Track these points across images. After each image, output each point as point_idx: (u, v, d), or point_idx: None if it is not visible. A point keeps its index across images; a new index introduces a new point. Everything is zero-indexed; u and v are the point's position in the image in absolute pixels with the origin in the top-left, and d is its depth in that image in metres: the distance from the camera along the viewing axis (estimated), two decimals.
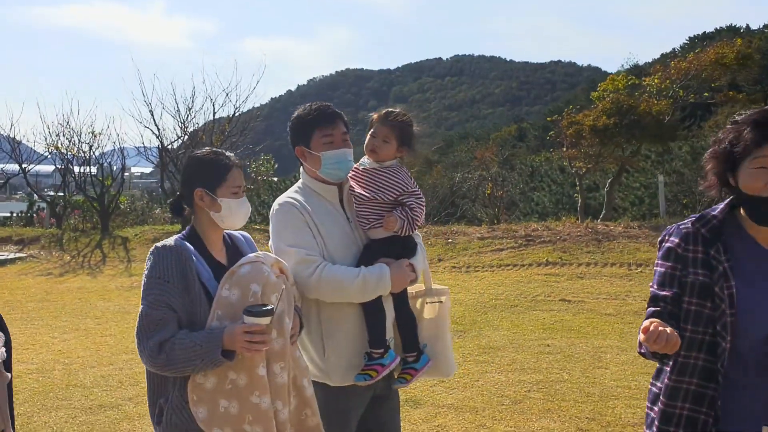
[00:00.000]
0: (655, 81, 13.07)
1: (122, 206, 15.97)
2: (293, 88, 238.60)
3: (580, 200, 13.39)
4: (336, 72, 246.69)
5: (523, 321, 7.36)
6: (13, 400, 2.28)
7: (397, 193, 2.52)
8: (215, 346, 2.04)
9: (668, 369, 1.99)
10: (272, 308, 2.05)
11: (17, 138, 15.14)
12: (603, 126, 11.86)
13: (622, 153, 13.19)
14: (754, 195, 1.84)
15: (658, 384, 2.03)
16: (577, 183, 13.75)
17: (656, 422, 1.98)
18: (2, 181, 16.37)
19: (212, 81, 41.19)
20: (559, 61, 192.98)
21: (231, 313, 2.13)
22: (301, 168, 2.62)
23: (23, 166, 15.44)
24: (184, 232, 2.33)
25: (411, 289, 2.64)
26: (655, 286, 1.99)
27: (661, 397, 1.98)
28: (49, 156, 15.29)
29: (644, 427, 2.09)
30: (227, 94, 14.84)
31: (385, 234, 2.52)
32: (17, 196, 16.28)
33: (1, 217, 21.31)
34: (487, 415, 4.66)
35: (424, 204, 2.60)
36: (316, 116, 2.53)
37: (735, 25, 49.75)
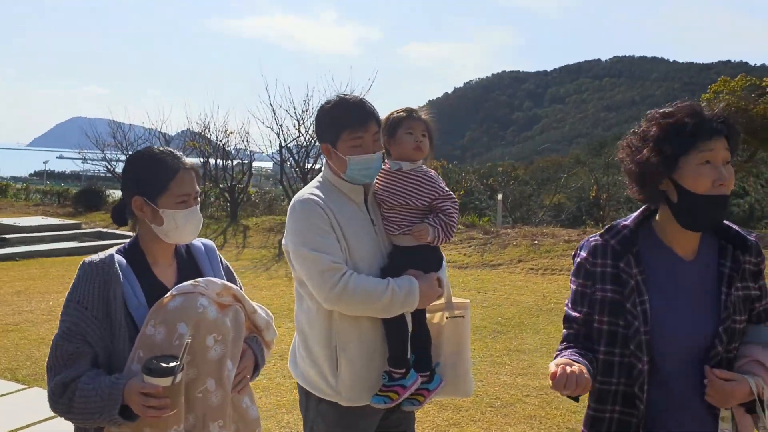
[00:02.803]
0: None
1: (253, 197, 17.14)
2: (450, 90, 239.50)
3: None
4: (492, 74, 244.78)
5: None
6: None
7: (432, 197, 2.25)
8: (114, 401, 1.64)
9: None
10: (175, 366, 1.60)
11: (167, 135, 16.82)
12: None
13: (739, 157, 11.92)
14: (703, 194, 1.64)
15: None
16: None
17: None
18: None
19: (326, 85, 42.74)
20: (728, 61, 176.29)
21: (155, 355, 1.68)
22: (325, 161, 2.34)
23: None
24: (126, 243, 1.92)
25: None
26: (569, 305, 1.85)
27: (582, 428, 1.83)
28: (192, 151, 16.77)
29: None
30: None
31: (412, 242, 2.25)
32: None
33: None
34: (467, 415, 4.52)
35: (458, 208, 2.33)
36: (346, 116, 2.21)
37: None
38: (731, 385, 1.62)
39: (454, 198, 2.30)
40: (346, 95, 2.28)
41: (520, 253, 10.68)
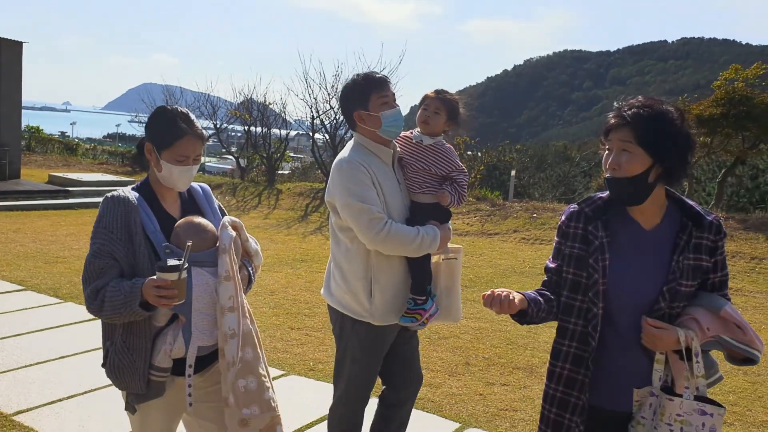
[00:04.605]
0: None
1: (289, 164, 18.27)
2: (509, 67, 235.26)
3: (687, 188, 12.69)
4: (553, 53, 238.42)
5: (532, 284, 7.73)
6: None
7: (449, 169, 2.75)
8: (135, 296, 2.00)
9: None
10: (178, 265, 1.98)
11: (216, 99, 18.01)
12: (709, 116, 11.18)
13: (742, 144, 12.18)
14: (605, 177, 2.01)
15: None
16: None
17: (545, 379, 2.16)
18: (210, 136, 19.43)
19: (357, 61, 39.89)
20: None
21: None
22: (355, 132, 2.77)
23: (216, 125, 18.31)
24: (138, 182, 2.28)
25: None
26: (550, 259, 2.18)
27: (549, 357, 2.16)
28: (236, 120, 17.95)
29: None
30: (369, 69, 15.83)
31: (430, 200, 2.76)
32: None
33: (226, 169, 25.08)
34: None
35: (468, 180, 2.83)
36: (371, 83, 2.68)
37: None
38: (660, 332, 1.92)
39: (466, 172, 2.84)
40: (358, 73, 2.78)
41: (517, 224, 11.41)
